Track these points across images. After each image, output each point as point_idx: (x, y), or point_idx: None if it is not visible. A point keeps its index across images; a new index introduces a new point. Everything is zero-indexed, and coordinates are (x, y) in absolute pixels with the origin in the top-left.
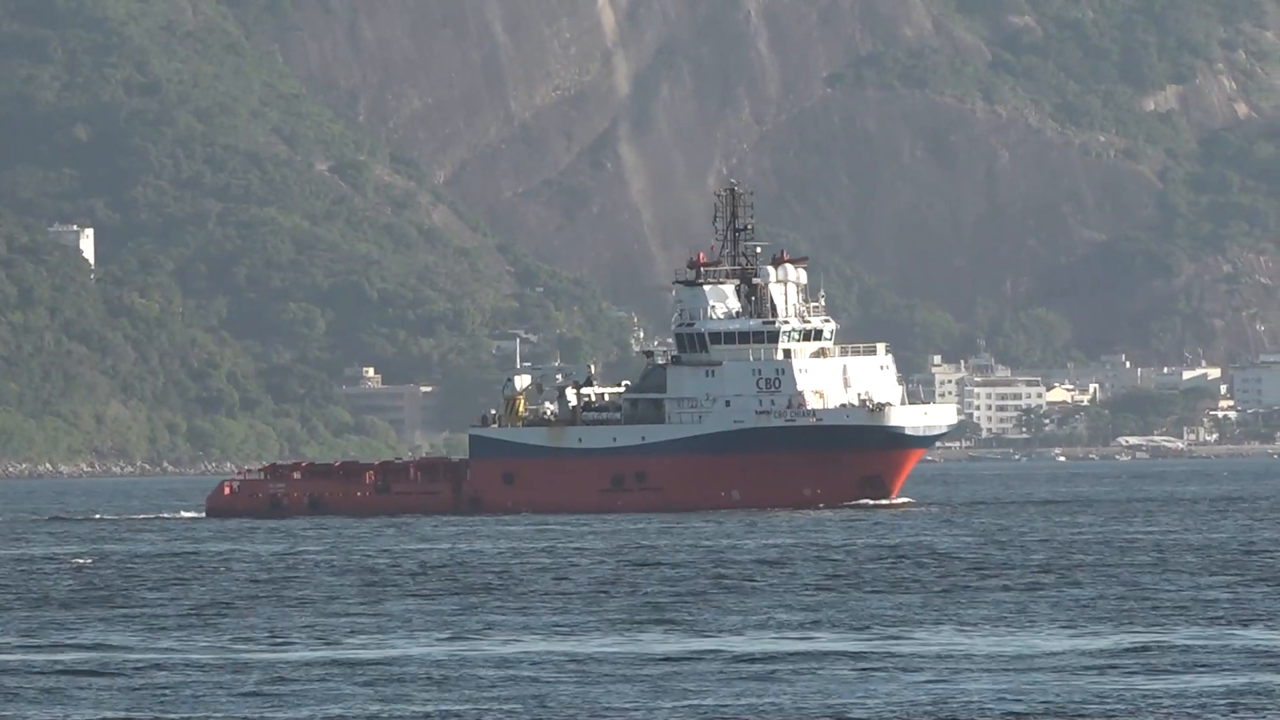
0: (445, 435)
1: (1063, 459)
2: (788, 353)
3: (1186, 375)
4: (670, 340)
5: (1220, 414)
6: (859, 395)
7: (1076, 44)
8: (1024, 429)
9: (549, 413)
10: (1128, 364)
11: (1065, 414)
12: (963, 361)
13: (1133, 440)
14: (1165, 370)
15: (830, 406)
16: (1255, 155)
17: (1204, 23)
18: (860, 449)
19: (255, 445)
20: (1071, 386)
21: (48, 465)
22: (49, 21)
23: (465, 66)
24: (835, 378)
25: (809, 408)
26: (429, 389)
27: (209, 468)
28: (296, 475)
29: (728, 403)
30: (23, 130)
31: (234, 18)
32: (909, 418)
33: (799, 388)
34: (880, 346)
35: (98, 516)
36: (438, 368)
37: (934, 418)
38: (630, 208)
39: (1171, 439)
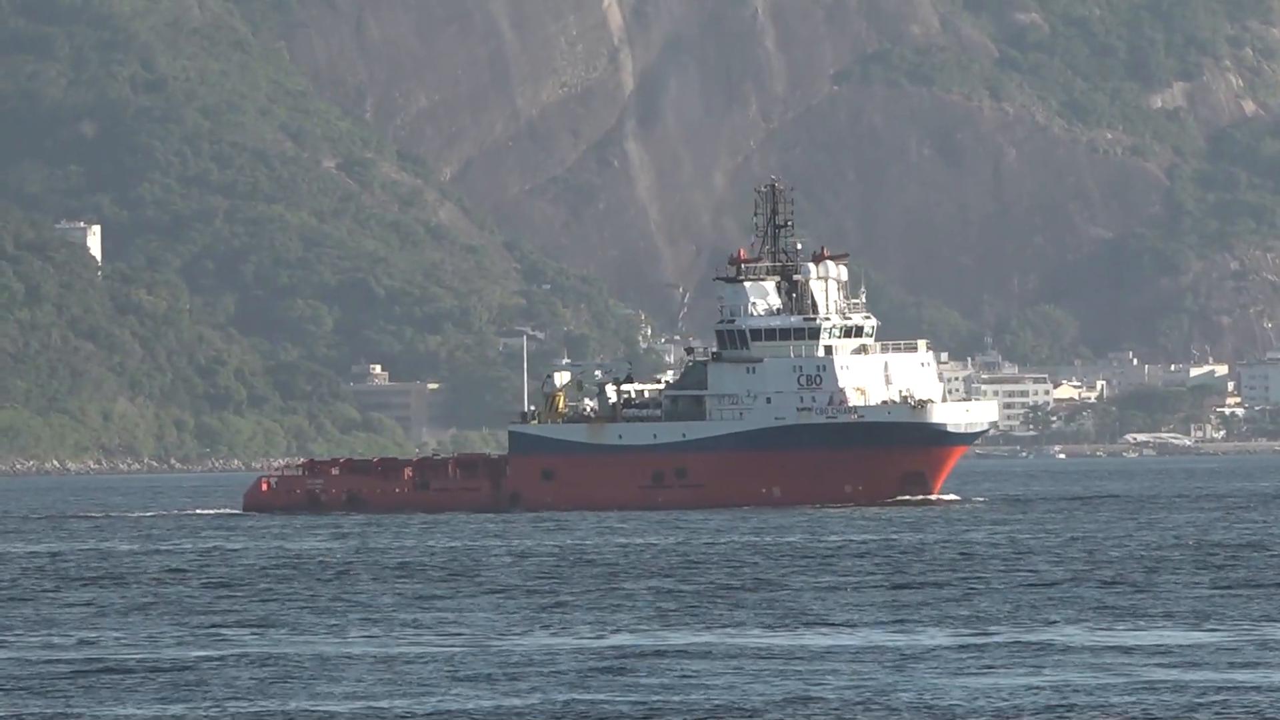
0: (452, 432)
1: (1062, 456)
2: (829, 349)
3: (1194, 372)
4: (677, 338)
5: (1227, 411)
6: (900, 392)
7: (1083, 41)
8: (1031, 426)
9: (589, 409)
10: (1135, 361)
11: (1072, 411)
12: (970, 359)
13: (1140, 437)
14: (1172, 367)
15: (872, 403)
16: (1263, 152)
17: (1211, 20)
18: (902, 446)
19: (263, 442)
20: (1079, 384)
21: (55, 462)
22: (55, 18)
23: (472, 63)
24: (877, 374)
25: (851, 404)
26: (436, 386)
27: (216, 465)
28: (335, 471)
29: (769, 399)
30: (29, 127)
31: (240, 15)
32: (951, 415)
33: (840, 384)
34: (921, 344)
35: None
36: (444, 365)
37: (975, 415)
38: (637, 205)
39: (1179, 436)
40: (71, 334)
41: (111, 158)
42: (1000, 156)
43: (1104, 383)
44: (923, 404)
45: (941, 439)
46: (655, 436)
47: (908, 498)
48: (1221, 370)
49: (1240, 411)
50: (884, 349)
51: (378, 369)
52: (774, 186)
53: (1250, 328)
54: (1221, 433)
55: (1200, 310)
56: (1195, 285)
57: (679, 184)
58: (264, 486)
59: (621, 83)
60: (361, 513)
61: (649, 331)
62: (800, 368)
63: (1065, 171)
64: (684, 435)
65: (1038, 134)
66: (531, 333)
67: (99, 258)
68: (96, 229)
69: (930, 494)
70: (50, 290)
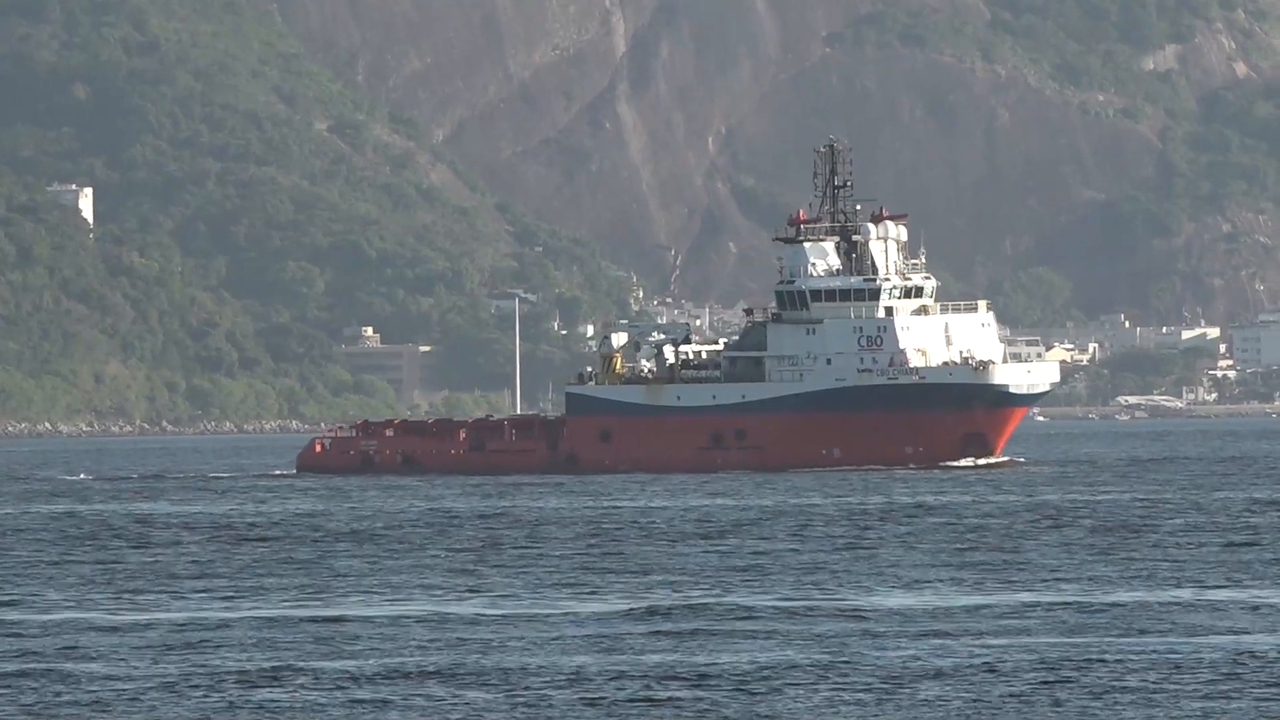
0: (444, 394)
1: (1041, 419)
2: (889, 310)
3: (1186, 335)
4: (669, 300)
5: (1219, 373)
6: (961, 353)
7: (1076, 3)
8: None
9: (646, 370)
10: (1127, 324)
11: (1065, 374)
12: None
13: (1131, 400)
14: (1164, 330)
15: (933, 364)
16: (1255, 114)
17: None
18: (964, 407)
19: (254, 404)
20: (1071, 346)
21: (47, 424)
22: None
23: (464, 26)
24: (937, 335)
25: (912, 366)
26: (428, 348)
27: (208, 427)
28: (389, 433)
29: (829, 360)
30: (21, 89)
31: None
32: (1013, 376)
33: (901, 345)
34: (982, 304)
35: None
36: (436, 327)
37: (1037, 376)
38: (629, 167)
39: (1171, 399)
40: (63, 296)
41: (103, 120)
42: (993, 119)
43: (1096, 345)
44: (984, 365)
45: (1003, 400)
46: (714, 398)
47: (970, 460)
48: (1213, 333)
49: (1232, 374)
50: (944, 310)
51: (369, 331)
52: (833, 146)
53: (1242, 290)
54: (1213, 395)
55: (1192, 272)
56: (1187, 247)
57: (671, 146)
58: (317, 448)
59: (614, 45)
60: (415, 474)
61: (641, 294)
62: (860, 329)
63: (1058, 134)
64: (743, 396)
65: (1030, 96)
66: (523, 295)
67: (91, 220)
68: (88, 191)
69: (991, 455)
70: (42, 252)
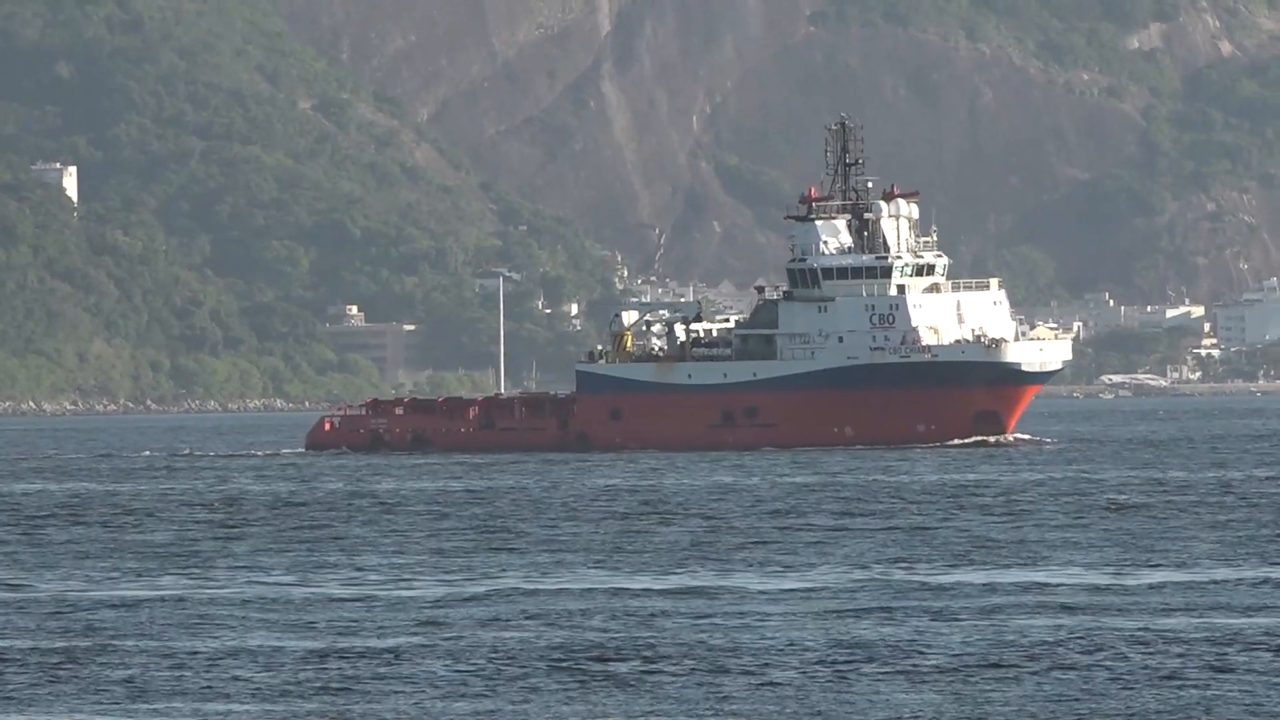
0: (428, 373)
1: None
2: (901, 288)
3: (1170, 314)
4: (653, 279)
5: (1203, 352)
6: (973, 331)
7: None
8: None
9: (657, 348)
10: (1111, 302)
11: None
12: None
13: (1116, 379)
14: (1148, 309)
15: (945, 342)
16: (1239, 93)
17: None
18: (976, 385)
19: (239, 383)
20: (1054, 325)
21: (31, 403)
22: None
23: (448, 4)
24: (949, 313)
25: (924, 344)
26: (412, 327)
27: (192, 405)
28: (399, 411)
29: (841, 338)
30: (5, 67)
31: None
32: (1025, 354)
33: (913, 323)
34: (993, 282)
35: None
36: (421, 306)
37: (1049, 354)
38: (613, 146)
39: (1155, 377)
40: (47, 275)
41: (87, 99)
42: (976, 97)
43: (1080, 324)
44: (997, 343)
45: (1016, 378)
46: (725, 376)
47: (982, 437)
48: (1198, 311)
49: (1216, 353)
50: (955, 288)
51: (354, 310)
52: (844, 124)
53: (1226, 269)
54: (1197, 374)
55: (1176, 251)
56: (1171, 226)
57: (655, 125)
58: (327, 426)
59: (598, 24)
60: (425, 452)
61: (625, 273)
62: (872, 306)
63: (1041, 112)
64: (755, 374)
65: (1014, 74)
66: (508, 274)
67: (75, 199)
68: (72, 170)
69: (1004, 433)
70: (26, 231)
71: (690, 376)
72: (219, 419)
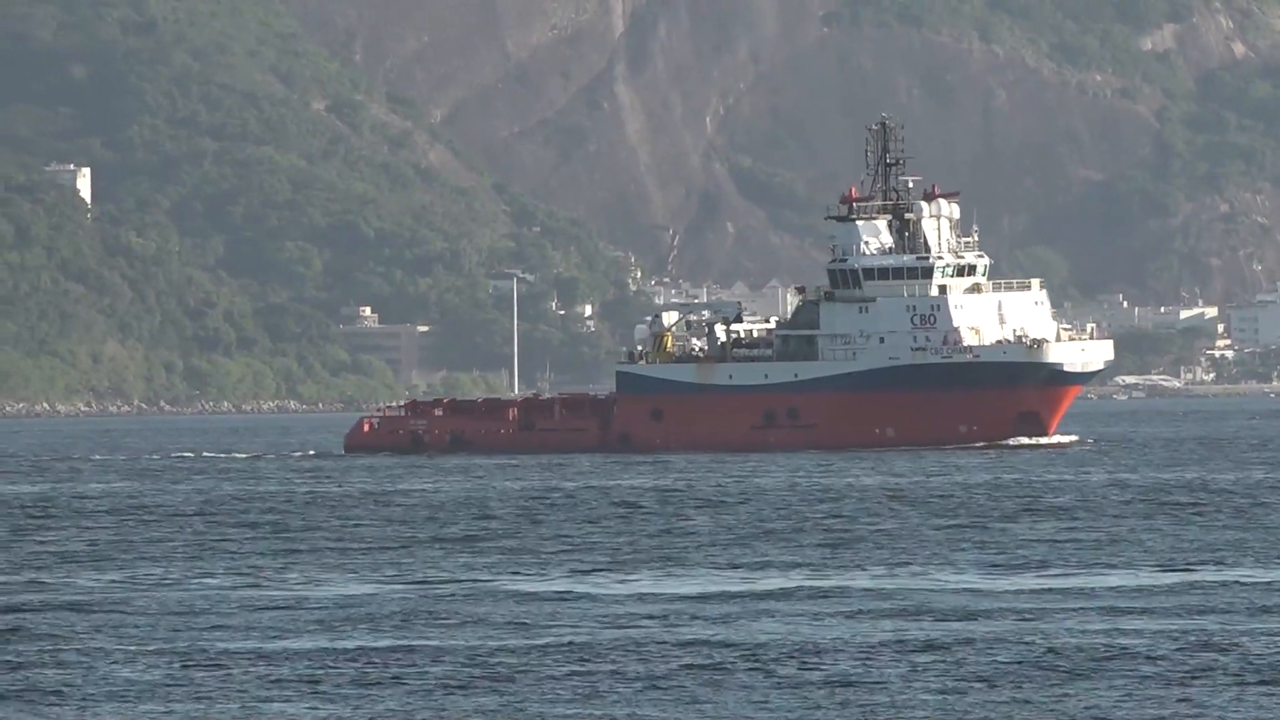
0: (442, 374)
1: None
2: (942, 288)
3: (1183, 315)
4: (667, 280)
5: (1217, 353)
6: (1014, 331)
7: None
8: None
9: (697, 349)
10: (1125, 304)
11: None
12: None
13: (1129, 380)
14: (1162, 310)
15: (986, 343)
16: (1252, 95)
17: None
18: (1018, 386)
19: (252, 384)
20: (1068, 326)
21: (44, 405)
22: None
23: (462, 5)
24: (990, 313)
25: (965, 344)
26: (425, 328)
27: (206, 407)
28: (438, 412)
29: (882, 339)
30: (19, 69)
31: None
32: (1067, 354)
33: (954, 324)
34: (1035, 282)
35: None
36: (434, 307)
37: (1091, 354)
38: (627, 147)
39: (1168, 378)
40: (61, 276)
41: (101, 100)
42: (990, 98)
43: (1093, 325)
44: (1039, 343)
45: (1058, 378)
46: (766, 376)
47: (1023, 439)
48: (1211, 312)
49: (1230, 354)
50: (996, 288)
51: (367, 311)
52: (884, 124)
53: (1240, 270)
54: (1211, 375)
55: (1190, 252)
56: (1185, 227)
57: (668, 126)
58: (366, 427)
59: (611, 25)
60: (465, 454)
61: (639, 274)
62: (914, 307)
63: (1055, 114)
64: (796, 375)
65: (1027, 76)
66: (521, 275)
67: (88, 200)
68: (86, 171)
69: (1046, 434)
70: (40, 233)
71: (731, 377)
72: (235, 420)
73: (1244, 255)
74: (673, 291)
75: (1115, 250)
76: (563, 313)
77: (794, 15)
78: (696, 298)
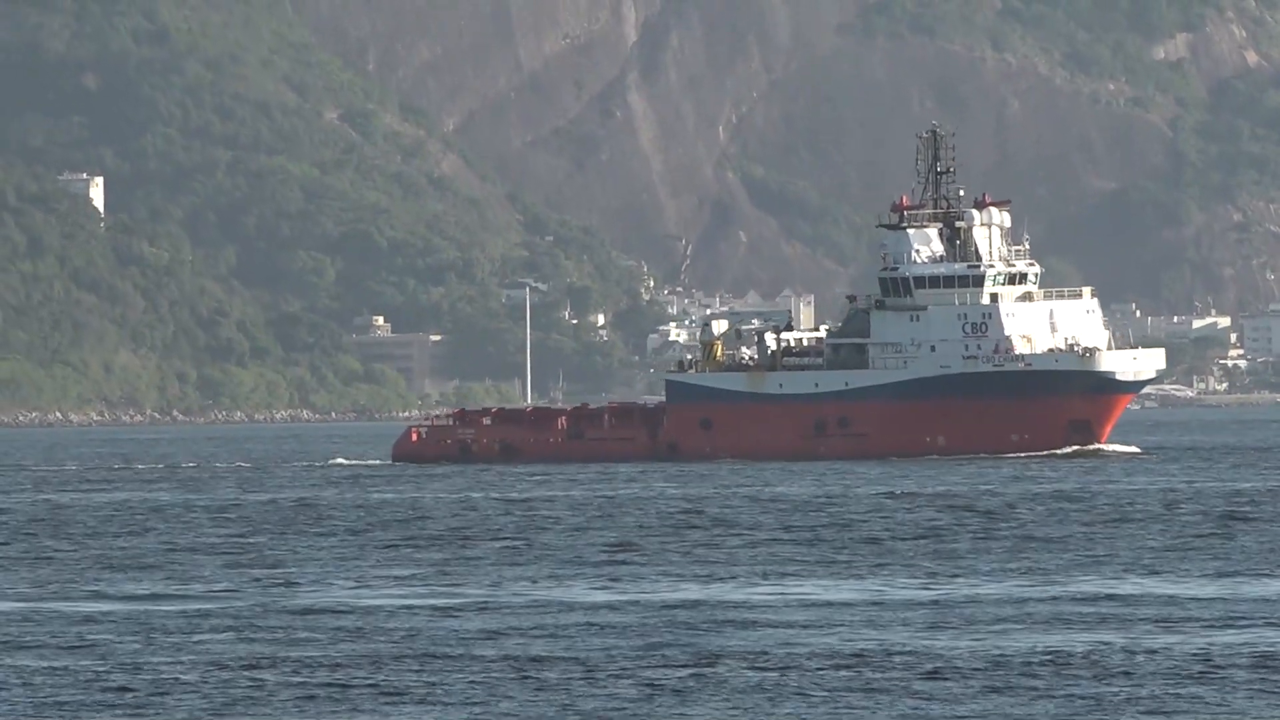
0: (455, 384)
1: None
2: (994, 296)
3: (1196, 324)
4: (679, 289)
5: (1230, 363)
6: (1066, 339)
7: None
8: None
9: (747, 358)
10: (1137, 313)
11: None
12: None
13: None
14: (1175, 319)
15: (1038, 351)
16: (1265, 104)
17: None
18: (1070, 394)
19: (265, 394)
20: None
21: (57, 414)
22: None
23: (474, 15)
24: (1042, 322)
25: (1017, 352)
26: (438, 338)
27: (218, 416)
28: (486, 421)
29: (933, 347)
30: (32, 79)
31: None
32: (1119, 363)
33: (1006, 332)
34: (1086, 290)
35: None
36: (447, 316)
37: (1143, 363)
38: (639, 156)
39: (1181, 387)
40: (74, 286)
41: (114, 110)
42: (1003, 108)
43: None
44: (1091, 351)
45: (1110, 387)
46: (817, 385)
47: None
48: (1224, 322)
49: (1243, 363)
50: (1048, 296)
51: (380, 320)
52: (935, 132)
53: (1253, 279)
54: (1224, 385)
55: (1203, 262)
56: (1198, 237)
57: (681, 135)
58: (414, 436)
59: (624, 34)
60: (513, 463)
61: (651, 283)
62: (965, 315)
63: (1068, 123)
64: (847, 384)
65: (1040, 85)
66: (534, 284)
67: (101, 209)
68: (99, 181)
69: (1097, 443)
70: (53, 242)
71: (781, 386)
72: (250, 430)
73: (1257, 264)
74: (685, 301)
75: (1128, 259)
76: (575, 322)
77: (807, 25)
78: (709, 307)
